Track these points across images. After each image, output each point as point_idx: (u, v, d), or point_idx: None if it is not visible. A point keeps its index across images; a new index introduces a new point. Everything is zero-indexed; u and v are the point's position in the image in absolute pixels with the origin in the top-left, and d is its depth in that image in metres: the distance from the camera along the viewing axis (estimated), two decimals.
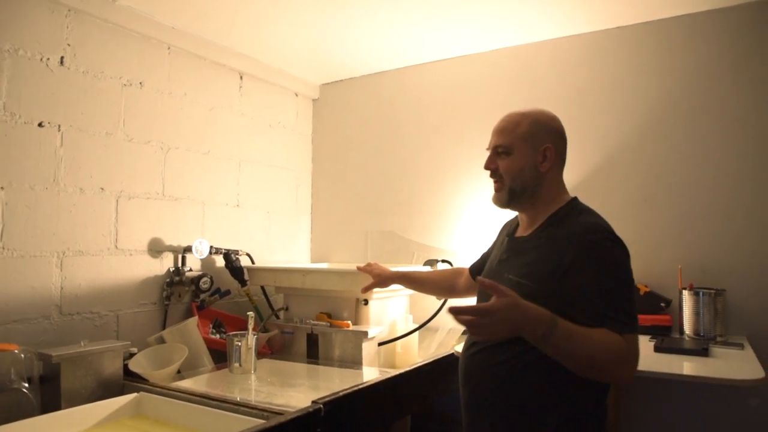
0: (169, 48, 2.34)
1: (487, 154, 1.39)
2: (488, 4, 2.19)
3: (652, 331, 2.00)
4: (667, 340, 1.87)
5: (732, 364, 1.63)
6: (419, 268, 2.51)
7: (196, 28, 2.38)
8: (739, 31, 2.13)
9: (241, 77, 2.71)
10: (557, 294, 1.15)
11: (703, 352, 1.71)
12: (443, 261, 2.61)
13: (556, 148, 1.33)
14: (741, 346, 1.83)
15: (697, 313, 1.97)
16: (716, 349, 1.79)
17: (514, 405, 1.22)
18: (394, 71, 2.94)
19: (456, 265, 2.58)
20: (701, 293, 1.97)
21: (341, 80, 3.13)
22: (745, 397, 1.91)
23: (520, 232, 1.41)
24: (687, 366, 1.62)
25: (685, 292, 2.01)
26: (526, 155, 1.32)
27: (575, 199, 1.37)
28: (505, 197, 1.35)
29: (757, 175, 2.06)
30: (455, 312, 1.04)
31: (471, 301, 1.70)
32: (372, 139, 3.02)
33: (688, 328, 1.98)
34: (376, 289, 1.94)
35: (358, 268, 1.95)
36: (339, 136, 3.14)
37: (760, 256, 2.03)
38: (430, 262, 2.63)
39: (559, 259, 1.20)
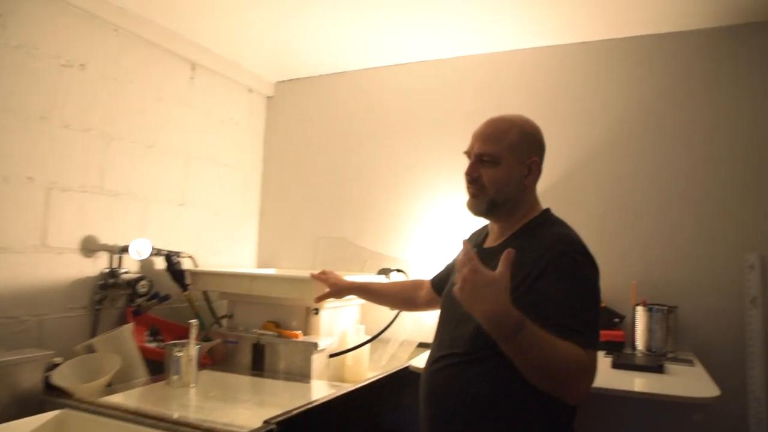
0: (116, 29, 2.16)
1: (464, 157, 1.33)
2: (455, 11, 2.16)
3: (606, 347, 2.00)
4: (623, 356, 1.87)
5: (687, 381, 1.64)
6: (375, 278, 2.43)
7: (148, 11, 2.21)
8: (700, 54, 2.19)
9: (192, 68, 2.55)
10: (526, 303, 1.10)
11: (658, 368, 1.71)
12: (398, 270, 2.54)
13: (540, 161, 1.30)
14: (691, 363, 1.85)
15: (650, 329, 1.98)
16: (669, 366, 1.80)
17: (483, 423, 1.16)
18: (355, 72, 2.87)
19: (411, 274, 2.52)
20: (654, 309, 1.99)
21: (298, 78, 3.02)
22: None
23: (490, 243, 1.36)
24: (645, 383, 1.62)
25: (639, 308, 2.02)
26: (513, 167, 1.26)
27: (548, 210, 1.34)
28: (484, 207, 1.29)
29: (713, 197, 2.12)
30: (466, 252, 1.05)
31: (433, 314, 1.64)
32: (327, 142, 2.92)
33: (640, 343, 2.00)
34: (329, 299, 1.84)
35: (312, 276, 1.84)
36: (293, 137, 3.02)
37: (710, 276, 2.08)
38: (384, 271, 2.55)
39: (529, 269, 1.16)
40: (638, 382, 1.63)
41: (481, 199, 1.28)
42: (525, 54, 2.49)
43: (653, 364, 1.74)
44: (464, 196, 1.34)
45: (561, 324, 1.07)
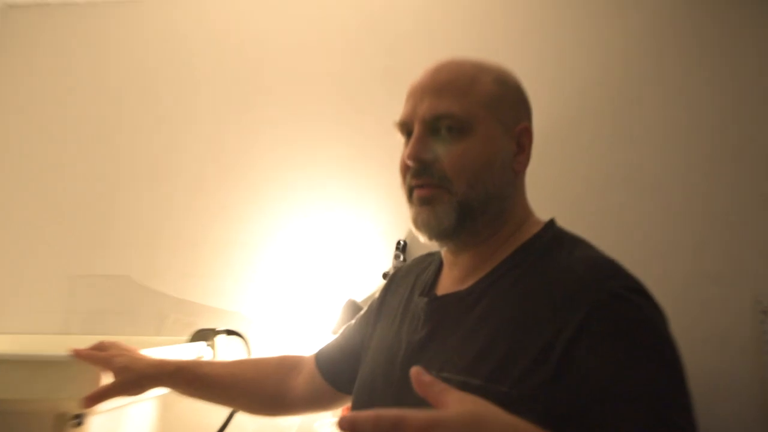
0: None
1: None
2: None
3: None
4: None
5: None
6: (194, 349, 1.44)
7: None
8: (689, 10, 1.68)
9: None
10: (552, 398, 0.61)
11: None
12: (229, 332, 1.61)
13: (532, 132, 0.80)
14: None
15: None
16: None
17: None
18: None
19: (250, 340, 1.64)
20: None
21: (38, 4, 2.01)
22: None
23: (450, 286, 0.79)
24: None
25: None
26: (496, 138, 0.75)
27: (553, 221, 0.81)
28: (453, 217, 0.73)
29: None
30: (350, 423, 0.43)
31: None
32: (89, 110, 1.97)
33: None
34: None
35: (77, 355, 0.96)
36: (24, 96, 1.94)
37: None
38: (204, 335, 1.58)
39: (550, 332, 0.64)
40: None
41: (446, 205, 0.74)
42: None
43: None
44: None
45: (629, 428, 0.58)
